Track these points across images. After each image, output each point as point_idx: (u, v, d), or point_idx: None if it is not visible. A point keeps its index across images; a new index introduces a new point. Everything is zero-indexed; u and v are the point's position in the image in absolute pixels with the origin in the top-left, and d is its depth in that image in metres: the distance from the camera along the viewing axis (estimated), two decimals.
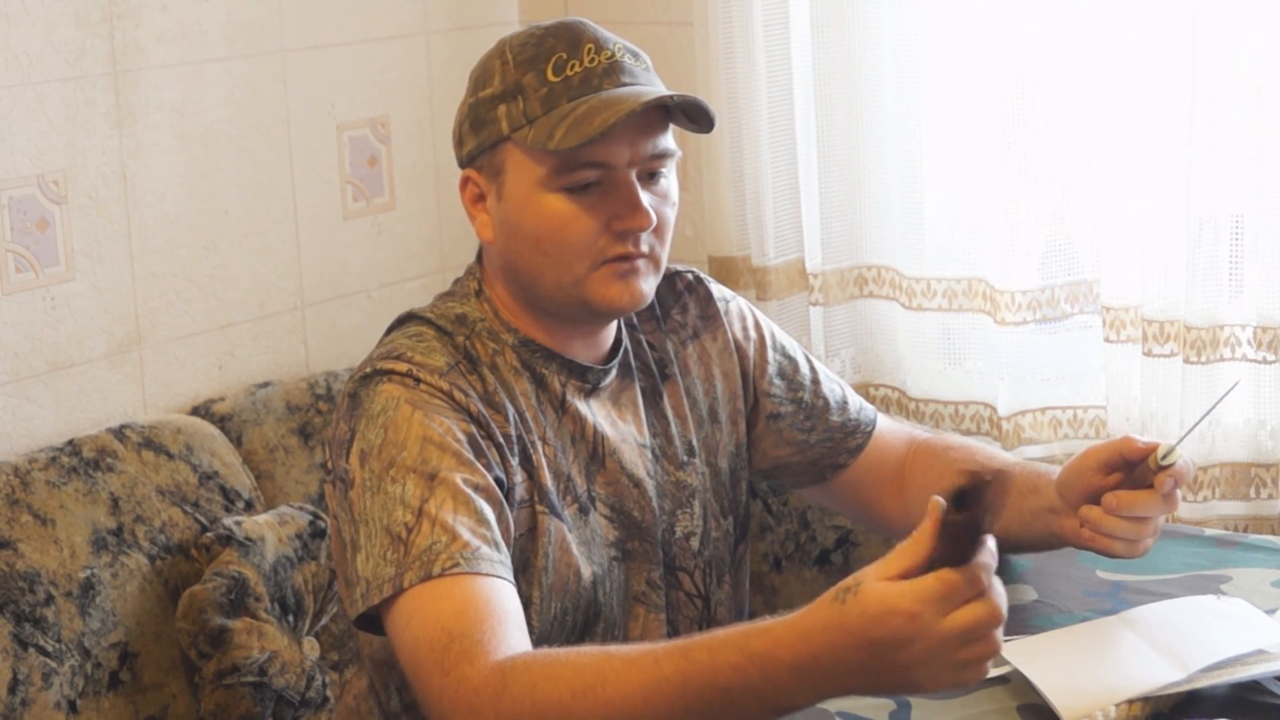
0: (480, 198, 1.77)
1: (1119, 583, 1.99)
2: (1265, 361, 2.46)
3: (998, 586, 1.37)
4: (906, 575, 1.35)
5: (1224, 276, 2.47)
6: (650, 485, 1.82)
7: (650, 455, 1.83)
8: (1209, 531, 2.20)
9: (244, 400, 2.56)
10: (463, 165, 1.79)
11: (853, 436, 2.01)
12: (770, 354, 1.97)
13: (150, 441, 2.39)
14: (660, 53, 2.97)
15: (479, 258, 1.84)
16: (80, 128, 2.43)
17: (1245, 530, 2.47)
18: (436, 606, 1.54)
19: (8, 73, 2.34)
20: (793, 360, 2.00)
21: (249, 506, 2.44)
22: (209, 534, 2.33)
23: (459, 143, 1.79)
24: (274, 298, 2.72)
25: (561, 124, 1.68)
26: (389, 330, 1.81)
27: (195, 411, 2.55)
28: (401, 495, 1.60)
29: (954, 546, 1.35)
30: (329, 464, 1.71)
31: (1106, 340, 2.57)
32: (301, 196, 2.75)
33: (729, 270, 2.84)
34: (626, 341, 1.86)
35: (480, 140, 1.74)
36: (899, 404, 2.81)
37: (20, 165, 2.36)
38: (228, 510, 2.41)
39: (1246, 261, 2.47)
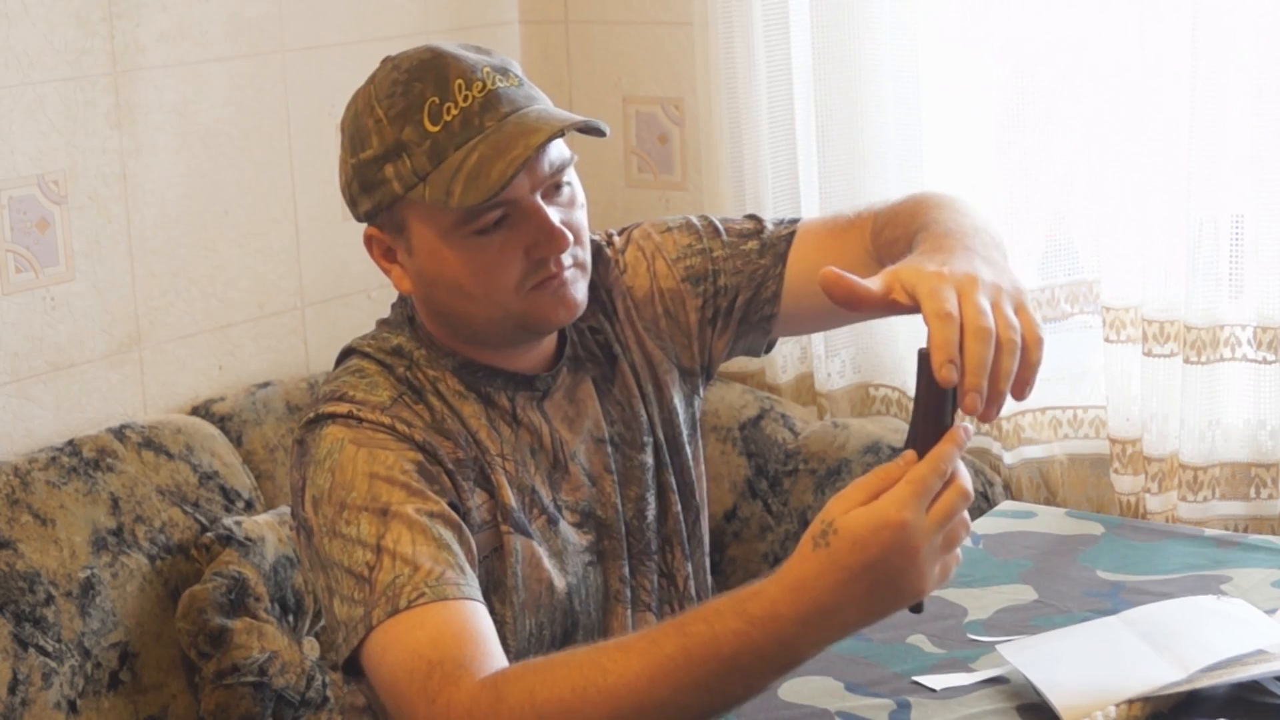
0: (389, 251, 1.75)
1: (1119, 583, 1.99)
2: (1265, 361, 2.46)
3: (960, 468, 1.42)
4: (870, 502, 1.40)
5: (1224, 276, 2.47)
6: (611, 480, 1.81)
7: (610, 446, 1.82)
8: (1209, 531, 2.20)
9: (244, 400, 2.56)
10: (360, 220, 1.76)
11: (771, 269, 1.88)
12: (677, 271, 1.89)
13: (150, 441, 2.39)
14: (660, 53, 2.97)
15: None
16: (80, 128, 2.43)
17: (1245, 530, 2.47)
18: (411, 637, 1.53)
19: (8, 73, 2.34)
20: (700, 250, 1.89)
21: (249, 506, 2.44)
22: (209, 534, 2.33)
23: (352, 202, 1.74)
24: (274, 298, 2.72)
25: (457, 179, 1.63)
26: (335, 365, 1.79)
27: (195, 411, 2.55)
28: (357, 536, 1.59)
29: (931, 389, 1.42)
30: (293, 511, 1.71)
31: (1106, 340, 2.57)
32: (301, 196, 2.75)
33: None
34: (571, 334, 1.83)
35: (376, 201, 1.70)
36: (899, 404, 2.81)
37: (20, 165, 2.36)
38: (228, 510, 2.41)
39: (1246, 261, 2.47)
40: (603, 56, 3.04)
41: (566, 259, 1.70)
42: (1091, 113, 2.55)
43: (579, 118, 1.67)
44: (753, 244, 1.89)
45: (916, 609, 1.46)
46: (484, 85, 1.67)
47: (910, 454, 1.42)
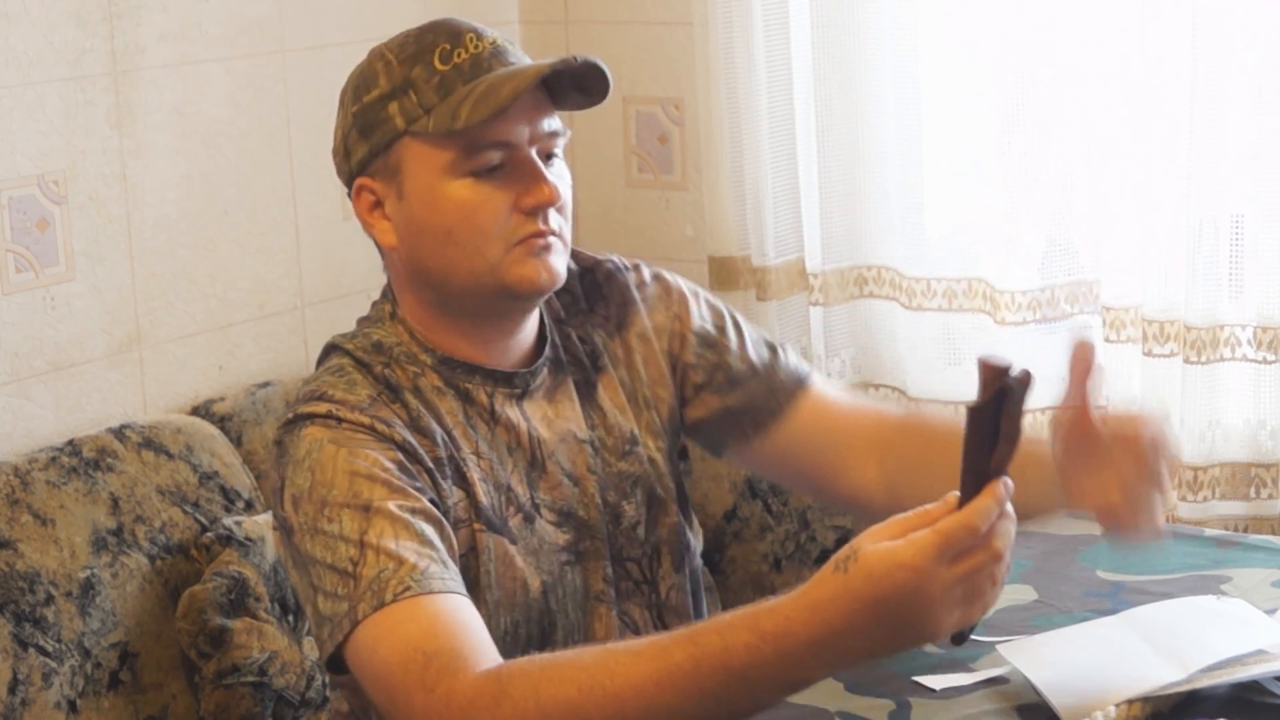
0: (377, 204, 1.75)
1: (1119, 583, 1.99)
2: (1265, 361, 2.46)
3: (1002, 527, 1.40)
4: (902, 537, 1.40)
5: (1224, 276, 2.47)
6: (593, 481, 1.81)
7: (591, 449, 1.82)
8: (1209, 531, 2.20)
9: (244, 400, 2.56)
10: (351, 178, 1.77)
11: (774, 397, 1.92)
12: (694, 324, 1.92)
13: (150, 441, 2.39)
14: (660, 53, 2.97)
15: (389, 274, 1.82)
16: (80, 128, 2.43)
17: (1245, 530, 2.47)
18: (403, 629, 1.53)
19: (8, 73, 2.34)
20: (720, 327, 1.94)
21: (249, 506, 2.44)
22: (209, 534, 2.33)
23: (345, 155, 1.76)
24: (274, 298, 2.72)
25: (464, 103, 1.67)
26: (318, 361, 1.80)
27: (195, 411, 2.55)
28: (340, 532, 1.59)
29: (978, 439, 1.40)
30: (273, 511, 1.71)
31: (1106, 340, 2.57)
32: (301, 196, 2.75)
33: (729, 270, 2.84)
34: (555, 336, 1.84)
35: (372, 144, 1.72)
36: (899, 404, 2.81)
37: (20, 165, 2.36)
38: (228, 510, 2.41)
39: (1246, 261, 2.47)
40: (603, 56, 3.00)
41: (554, 222, 1.72)
42: (1091, 113, 2.55)
43: (593, 58, 1.73)
44: (767, 365, 1.94)
45: (959, 639, 1.45)
46: (494, 41, 1.73)
47: (953, 499, 1.42)
